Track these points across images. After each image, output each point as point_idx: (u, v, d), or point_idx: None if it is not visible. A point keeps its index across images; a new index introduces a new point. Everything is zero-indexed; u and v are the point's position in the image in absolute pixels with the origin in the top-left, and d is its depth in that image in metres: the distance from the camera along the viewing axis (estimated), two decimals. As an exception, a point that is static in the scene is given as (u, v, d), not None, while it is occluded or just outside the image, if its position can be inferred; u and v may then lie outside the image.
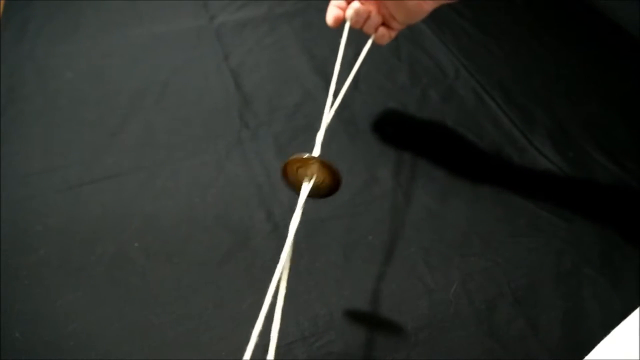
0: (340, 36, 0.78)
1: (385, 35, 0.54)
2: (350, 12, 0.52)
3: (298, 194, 0.41)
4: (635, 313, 0.36)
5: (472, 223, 0.55)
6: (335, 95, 0.47)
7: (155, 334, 0.46)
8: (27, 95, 0.68)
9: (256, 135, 0.64)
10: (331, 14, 0.54)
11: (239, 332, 0.46)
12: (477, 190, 0.58)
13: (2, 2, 0.82)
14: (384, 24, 0.54)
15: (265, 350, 0.44)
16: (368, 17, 0.53)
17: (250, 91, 0.70)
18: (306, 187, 0.40)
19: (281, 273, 0.36)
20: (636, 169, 0.61)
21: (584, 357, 0.42)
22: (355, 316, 0.48)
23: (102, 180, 0.58)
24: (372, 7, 0.53)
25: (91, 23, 0.80)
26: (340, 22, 0.54)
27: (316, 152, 0.42)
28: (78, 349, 0.45)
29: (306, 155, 0.39)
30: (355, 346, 0.45)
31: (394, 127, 0.66)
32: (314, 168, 0.40)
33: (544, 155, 0.62)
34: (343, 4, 0.54)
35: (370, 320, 0.47)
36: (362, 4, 0.52)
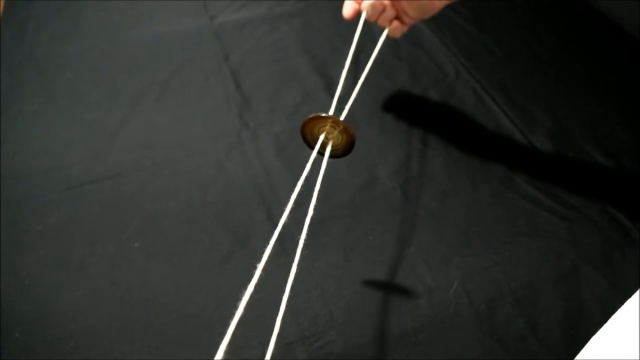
0: (341, 37, 0.79)
1: (398, 28, 0.56)
2: (366, 4, 0.55)
3: (312, 148, 0.43)
4: (634, 299, 0.36)
5: (472, 223, 0.55)
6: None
7: (155, 334, 0.46)
8: (27, 95, 0.68)
9: (256, 135, 0.64)
10: (348, 7, 0.56)
11: (239, 332, 0.46)
12: (477, 190, 0.58)
13: (2, 2, 0.82)
14: (397, 17, 0.56)
15: (266, 350, 0.45)
16: (383, 10, 0.55)
17: (250, 91, 0.70)
18: (327, 147, 0.43)
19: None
20: (636, 168, 0.61)
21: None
22: (355, 316, 0.48)
23: (102, 180, 0.58)
24: (386, 2, 0.55)
25: (91, 23, 0.80)
26: (357, 14, 0.56)
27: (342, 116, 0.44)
28: (78, 349, 0.45)
29: (325, 115, 0.41)
30: (355, 346, 0.45)
31: (394, 128, 0.66)
32: (335, 129, 0.42)
33: (544, 155, 0.62)
34: None
35: (370, 320, 0.47)
36: None
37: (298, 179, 0.59)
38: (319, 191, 0.40)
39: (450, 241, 0.53)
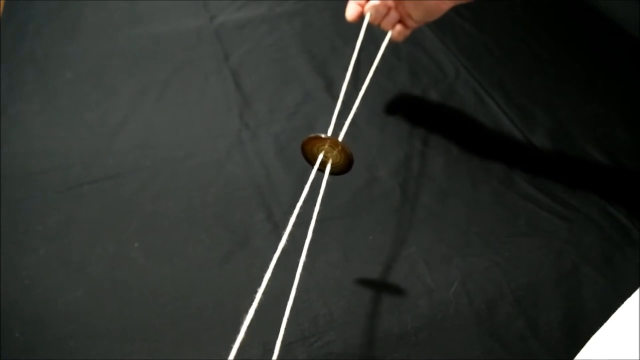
0: (341, 37, 0.79)
1: (401, 32, 0.56)
2: (370, 6, 0.54)
3: (311, 164, 0.44)
4: (633, 298, 0.36)
5: (472, 223, 0.55)
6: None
7: (155, 334, 0.46)
8: (27, 95, 0.68)
9: (256, 135, 0.64)
10: (351, 10, 0.56)
11: (239, 332, 0.46)
12: (477, 190, 0.58)
13: (2, 2, 0.82)
14: (400, 21, 0.56)
15: (266, 350, 0.45)
16: (386, 14, 0.55)
17: (250, 91, 0.70)
18: (327, 167, 0.45)
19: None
20: (636, 168, 0.61)
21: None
22: (355, 316, 0.48)
23: (102, 180, 0.58)
24: (390, 4, 0.55)
25: (91, 23, 0.80)
26: (360, 17, 0.56)
27: (340, 136, 0.45)
28: (78, 349, 0.45)
29: (324, 136, 0.43)
30: (355, 346, 0.45)
31: (394, 127, 0.66)
32: (334, 149, 0.43)
33: (544, 155, 0.62)
34: (362, 1, 0.56)
35: (370, 320, 0.47)
36: (380, 1, 0.54)
37: (298, 179, 0.59)
38: (319, 191, 0.40)
39: (450, 241, 0.53)
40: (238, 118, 0.66)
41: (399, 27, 0.56)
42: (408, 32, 0.57)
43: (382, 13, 0.54)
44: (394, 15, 0.55)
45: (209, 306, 0.48)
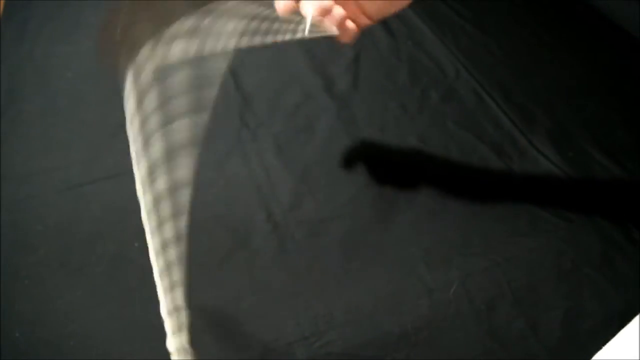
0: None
1: (350, 31, 0.45)
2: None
3: None
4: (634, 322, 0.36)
5: (472, 223, 0.55)
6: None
7: (155, 334, 0.46)
8: (27, 95, 0.68)
9: (256, 135, 0.64)
10: (282, 3, 0.44)
11: (239, 332, 0.46)
12: (478, 191, 0.58)
13: (2, 2, 0.82)
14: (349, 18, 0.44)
15: (266, 350, 0.45)
16: (328, 10, 0.43)
17: (250, 91, 0.70)
18: None
19: None
20: (636, 169, 0.61)
21: (583, 357, 0.42)
22: (355, 316, 0.48)
23: (102, 180, 0.58)
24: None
25: (91, 23, 0.80)
26: (292, 13, 0.44)
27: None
28: (78, 349, 0.45)
29: None
30: (355, 346, 0.45)
31: (394, 127, 0.66)
32: None
33: (544, 155, 0.62)
34: None
35: (370, 320, 0.47)
36: None
37: (298, 179, 0.59)
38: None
39: (450, 241, 0.54)
40: (238, 118, 0.66)
41: (350, 24, 0.44)
42: (358, 31, 0.45)
43: (323, 8, 0.42)
44: (338, 11, 0.43)
45: (209, 306, 0.48)
